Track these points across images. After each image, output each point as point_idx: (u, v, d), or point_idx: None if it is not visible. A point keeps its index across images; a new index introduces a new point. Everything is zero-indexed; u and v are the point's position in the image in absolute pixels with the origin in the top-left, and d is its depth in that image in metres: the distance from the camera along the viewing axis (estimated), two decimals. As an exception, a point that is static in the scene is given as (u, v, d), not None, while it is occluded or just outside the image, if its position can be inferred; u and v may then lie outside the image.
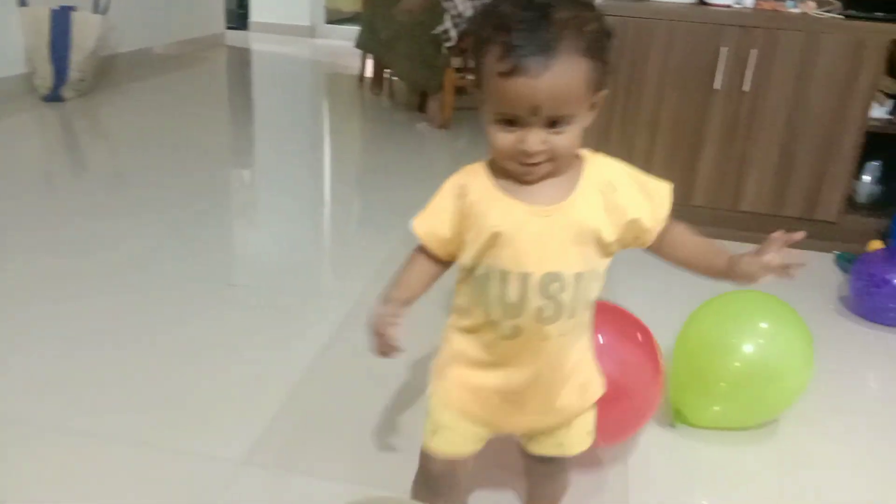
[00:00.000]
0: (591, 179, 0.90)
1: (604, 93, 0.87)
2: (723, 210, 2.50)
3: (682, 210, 2.64)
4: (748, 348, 1.43)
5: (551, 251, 0.89)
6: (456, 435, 1.02)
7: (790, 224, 2.48)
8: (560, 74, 0.80)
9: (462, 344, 0.99)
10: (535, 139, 0.84)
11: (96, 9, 3.93)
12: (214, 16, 5.91)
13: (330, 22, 6.91)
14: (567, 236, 0.89)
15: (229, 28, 6.19)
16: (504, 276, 0.90)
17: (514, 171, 0.88)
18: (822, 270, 2.38)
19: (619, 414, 1.26)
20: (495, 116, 0.85)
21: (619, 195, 0.91)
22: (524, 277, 0.89)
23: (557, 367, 0.96)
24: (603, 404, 1.07)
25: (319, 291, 2.07)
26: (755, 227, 2.51)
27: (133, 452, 1.33)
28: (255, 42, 6.36)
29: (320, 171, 3.25)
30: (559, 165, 0.88)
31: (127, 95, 4.14)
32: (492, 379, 0.97)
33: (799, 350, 1.46)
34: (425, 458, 1.06)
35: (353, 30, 4.77)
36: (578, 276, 0.90)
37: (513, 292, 0.90)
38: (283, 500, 1.25)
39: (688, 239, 0.98)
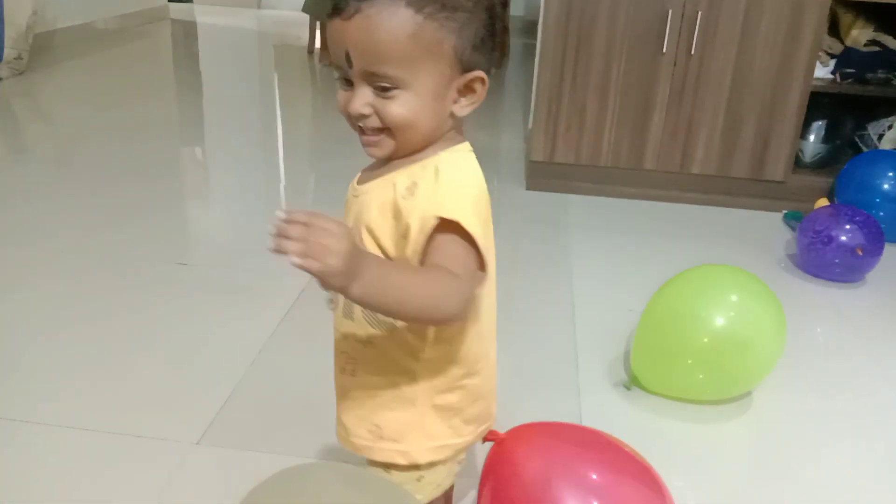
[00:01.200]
0: (409, 170, 0.77)
1: (477, 75, 0.76)
2: (673, 173, 2.53)
3: (634, 174, 2.71)
4: (718, 321, 1.41)
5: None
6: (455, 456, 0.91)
7: (739, 185, 2.54)
8: (371, 18, 0.70)
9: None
10: (360, 99, 0.74)
11: (30, -17, 3.79)
12: (156, -12, 5.74)
13: (277, -8, 6.76)
14: (359, 224, 0.79)
15: (172, 1, 6.02)
16: None
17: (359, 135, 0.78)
18: (770, 229, 2.43)
19: None
20: (333, 67, 0.78)
21: (409, 202, 0.75)
22: None
23: (342, 371, 0.86)
24: None
25: (274, 268, 2.04)
26: (705, 189, 2.56)
27: (86, 438, 1.31)
28: (200, 15, 6.20)
29: (273, 144, 3.20)
30: (402, 144, 0.76)
31: (67, 73, 4.01)
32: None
33: (770, 324, 1.44)
34: None
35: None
36: None
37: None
38: (237, 476, 1.25)
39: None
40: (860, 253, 2.01)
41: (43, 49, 4.09)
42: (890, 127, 2.57)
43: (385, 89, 0.73)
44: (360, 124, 0.76)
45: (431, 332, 0.80)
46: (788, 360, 1.52)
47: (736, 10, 2.31)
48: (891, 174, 2.31)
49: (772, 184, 2.51)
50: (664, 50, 2.36)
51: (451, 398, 0.84)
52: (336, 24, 0.72)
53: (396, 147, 0.77)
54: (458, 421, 0.86)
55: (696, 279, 1.52)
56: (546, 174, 2.59)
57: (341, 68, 0.75)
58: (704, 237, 2.34)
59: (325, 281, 0.65)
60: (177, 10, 6.01)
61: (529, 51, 4.47)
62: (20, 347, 1.58)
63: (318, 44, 4.63)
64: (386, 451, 0.85)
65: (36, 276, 1.87)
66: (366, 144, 0.78)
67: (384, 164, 0.80)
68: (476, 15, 0.74)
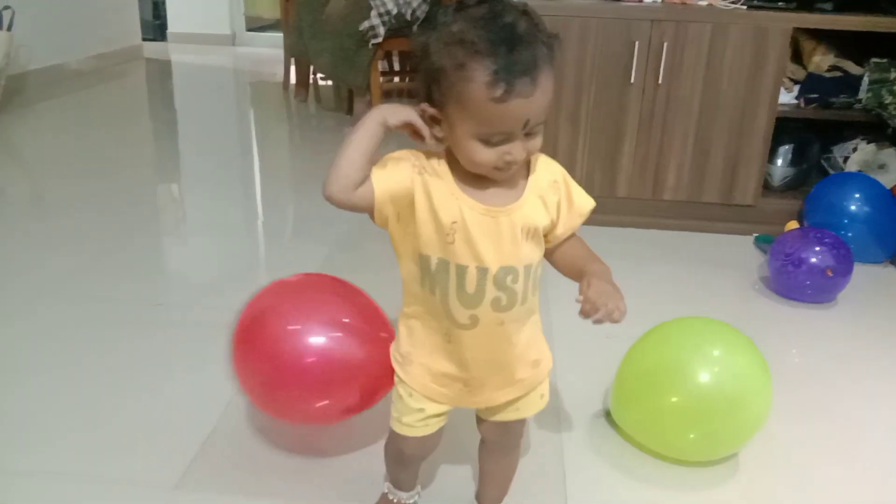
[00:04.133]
0: (537, 179, 0.98)
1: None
2: (645, 200, 2.56)
3: (607, 202, 2.73)
4: (706, 379, 1.34)
5: (506, 247, 0.95)
6: (423, 417, 1.08)
7: (710, 210, 2.58)
8: (545, 88, 0.87)
9: (421, 333, 1.04)
10: (520, 150, 0.90)
11: None
12: (130, 27, 5.75)
13: (251, 29, 6.80)
14: (518, 233, 0.96)
15: (146, 40, 6.03)
16: (461, 270, 0.95)
17: (484, 174, 0.93)
18: (742, 252, 2.47)
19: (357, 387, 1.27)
20: (479, 136, 0.89)
21: (556, 198, 0.99)
22: (482, 272, 0.95)
23: (511, 348, 1.03)
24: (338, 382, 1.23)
25: (250, 305, 2.04)
26: (677, 214, 2.59)
27: (59, 484, 1.29)
28: (175, 53, 6.22)
29: (249, 181, 3.21)
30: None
31: (40, 115, 4.00)
32: (453, 366, 1.03)
33: (759, 382, 1.37)
34: (396, 439, 1.12)
35: (276, 36, 4.71)
36: (528, 268, 0.98)
37: (470, 285, 0.96)
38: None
39: (577, 252, 1.05)
40: (830, 274, 2.04)
41: (15, 91, 4.08)
42: (855, 149, 2.63)
43: (534, 133, 0.90)
44: (507, 170, 0.91)
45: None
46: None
47: (701, 40, 2.37)
48: (857, 196, 2.36)
49: (742, 208, 2.56)
50: (632, 80, 2.41)
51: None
52: (514, 104, 0.85)
53: (510, 173, 0.94)
54: None
55: (678, 334, 1.45)
56: (521, 204, 2.61)
57: (502, 134, 0.88)
58: (678, 262, 2.37)
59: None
60: (151, 49, 6.02)
61: (502, 82, 4.53)
62: (-7, 394, 1.56)
63: (293, 80, 4.65)
64: (544, 371, 1.11)
65: (8, 318, 1.85)
66: (500, 175, 0.93)
67: (487, 182, 0.94)
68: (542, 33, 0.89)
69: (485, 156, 0.90)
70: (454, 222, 0.93)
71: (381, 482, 1.26)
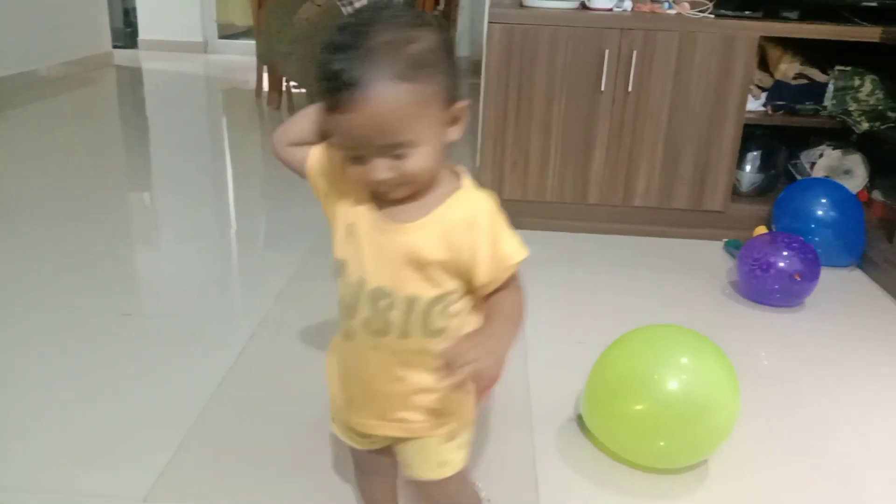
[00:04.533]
0: (445, 213, 0.87)
1: (460, 105, 0.85)
2: (616, 206, 2.59)
3: (579, 208, 2.75)
4: (674, 387, 1.34)
5: (385, 267, 0.88)
6: (339, 422, 1.06)
7: (680, 216, 2.61)
8: (379, 105, 0.77)
9: (337, 333, 1.00)
10: (381, 169, 0.82)
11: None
12: (100, 34, 5.68)
13: (223, 37, 6.76)
14: (398, 258, 0.87)
15: (116, 47, 5.97)
16: (346, 275, 0.92)
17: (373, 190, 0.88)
18: (712, 257, 2.50)
19: None
20: (339, 149, 0.86)
21: (468, 239, 0.86)
22: (360, 283, 0.90)
23: (392, 381, 0.94)
24: None
25: (223, 313, 2.02)
26: (647, 221, 2.62)
27: (27, 499, 1.27)
28: (146, 60, 6.16)
29: (222, 189, 3.18)
30: (419, 186, 0.86)
31: (9, 122, 3.94)
32: (340, 372, 1.00)
33: (727, 389, 1.38)
34: None
35: (248, 44, 4.69)
36: (411, 301, 0.89)
37: (348, 295, 0.92)
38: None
39: (494, 308, 0.91)
40: (798, 278, 2.08)
41: (-17, 99, 4.02)
42: (821, 155, 2.67)
43: (399, 152, 0.81)
44: (383, 188, 0.85)
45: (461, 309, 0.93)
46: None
47: (669, 49, 2.40)
48: (824, 201, 2.40)
49: (712, 213, 2.59)
50: (602, 88, 2.44)
51: None
52: (342, 118, 0.80)
53: (416, 190, 0.86)
54: None
55: (648, 342, 1.45)
56: (494, 211, 2.62)
57: (352, 149, 0.82)
58: (649, 267, 2.39)
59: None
60: (122, 56, 5.96)
61: (475, 90, 4.55)
62: (-42, 408, 1.53)
63: (265, 87, 4.63)
64: (449, 433, 0.98)
65: (-25, 333, 1.82)
66: (386, 194, 0.86)
67: (405, 201, 0.88)
68: (441, 53, 0.82)
69: (352, 171, 0.85)
70: (350, 224, 0.90)
71: (352, 489, 1.26)
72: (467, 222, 0.86)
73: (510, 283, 0.90)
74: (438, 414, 0.96)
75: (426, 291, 0.89)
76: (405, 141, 0.81)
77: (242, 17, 6.58)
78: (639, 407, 1.36)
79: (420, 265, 0.87)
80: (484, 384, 0.84)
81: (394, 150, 0.81)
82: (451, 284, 0.89)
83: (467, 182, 0.90)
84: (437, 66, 0.81)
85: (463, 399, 0.98)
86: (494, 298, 0.90)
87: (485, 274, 0.88)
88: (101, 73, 5.46)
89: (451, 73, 0.84)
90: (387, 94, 0.77)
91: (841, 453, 1.52)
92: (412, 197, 0.87)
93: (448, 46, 0.84)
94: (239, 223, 2.76)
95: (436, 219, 0.87)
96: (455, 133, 0.87)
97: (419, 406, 0.95)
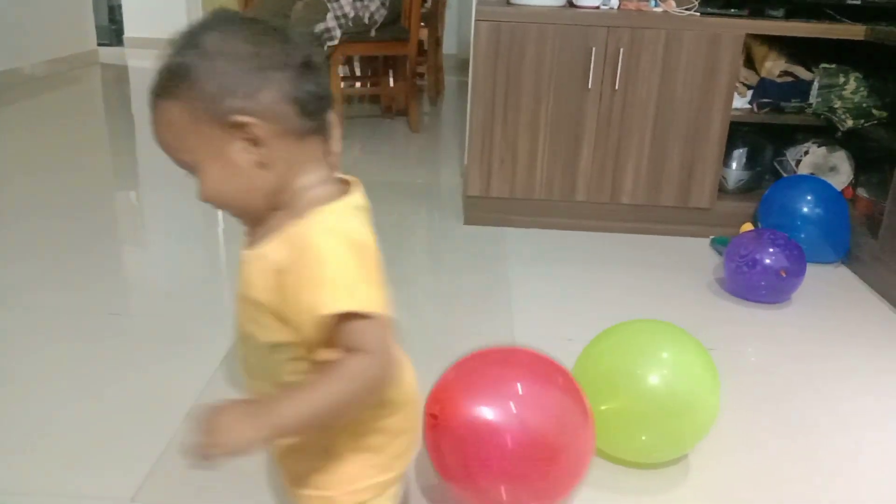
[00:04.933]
0: (275, 244, 0.74)
1: (235, 119, 0.72)
2: (604, 204, 2.59)
3: (567, 206, 2.76)
4: (655, 381, 1.35)
5: (238, 301, 0.80)
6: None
7: (667, 213, 2.62)
8: (161, 121, 0.75)
9: None
10: (196, 190, 0.77)
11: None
12: (85, 32, 5.65)
13: (210, 34, 6.73)
14: (239, 290, 0.80)
15: (102, 45, 5.93)
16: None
17: None
18: (699, 254, 2.51)
19: (556, 472, 1.17)
20: None
21: (291, 280, 0.72)
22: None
23: None
24: (538, 464, 1.10)
25: (210, 313, 2.02)
26: (635, 218, 2.63)
27: (15, 502, 1.26)
28: (132, 58, 6.13)
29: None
30: (242, 217, 0.80)
31: (-8, 121, 3.91)
32: None
33: (707, 383, 1.38)
34: None
35: (234, 42, 4.66)
36: (249, 339, 0.80)
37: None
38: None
39: (313, 379, 0.74)
40: (784, 275, 2.09)
41: (-34, 97, 3.99)
42: (806, 152, 2.69)
43: (194, 177, 0.76)
44: (227, 211, 0.79)
45: None
46: (723, 380, 1.57)
47: (656, 47, 2.41)
48: (809, 198, 2.42)
49: (698, 211, 2.60)
50: (590, 86, 2.44)
51: (372, 440, 0.84)
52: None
53: (243, 214, 0.79)
54: (383, 458, 0.86)
55: (628, 337, 1.45)
56: (483, 208, 2.63)
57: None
58: (637, 264, 2.40)
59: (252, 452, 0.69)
60: (107, 54, 5.93)
61: (463, 88, 4.55)
62: (-58, 409, 1.52)
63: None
64: (312, 499, 0.85)
65: (-41, 334, 1.81)
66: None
67: (255, 228, 0.80)
68: (207, 63, 0.72)
69: None
70: None
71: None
72: (291, 259, 0.72)
73: (358, 346, 0.71)
74: (300, 481, 0.85)
75: (260, 333, 0.78)
76: (185, 161, 0.76)
77: (229, 14, 6.54)
78: (619, 402, 1.36)
79: (250, 302, 0.77)
80: (203, 457, 0.70)
81: (186, 170, 0.77)
82: (284, 334, 0.75)
83: (335, 206, 0.75)
84: (198, 78, 0.72)
85: (335, 480, 0.84)
86: (326, 365, 0.73)
87: (308, 327, 0.72)
88: (87, 71, 5.43)
89: (228, 78, 0.72)
90: (162, 112, 0.75)
91: (826, 447, 1.53)
92: (257, 223, 0.79)
93: (177, 68, 0.73)
94: (226, 221, 2.75)
95: (262, 252, 0.75)
96: (254, 153, 0.74)
97: (288, 466, 0.87)
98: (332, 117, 0.80)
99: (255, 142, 0.73)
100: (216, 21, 0.75)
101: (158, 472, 1.34)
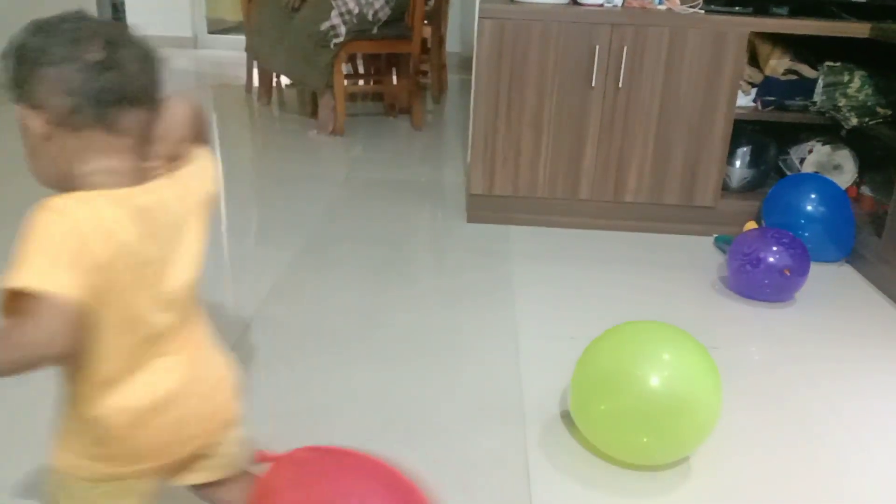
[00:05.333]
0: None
1: (23, 108, 0.86)
2: (607, 202, 2.59)
3: (570, 204, 2.75)
4: (656, 383, 1.34)
5: None
6: None
7: (671, 211, 2.62)
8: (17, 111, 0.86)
9: None
10: None
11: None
12: (89, 30, 5.65)
13: (213, 32, 6.73)
14: None
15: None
16: None
17: None
18: (702, 253, 2.51)
19: None
20: None
21: None
22: None
23: None
24: None
25: (214, 310, 2.01)
26: (638, 216, 2.63)
27: (9, 502, 1.26)
28: (135, 56, 6.13)
29: (210, 186, 3.16)
30: (42, 181, 0.91)
31: (-4, 118, 3.91)
32: None
33: (709, 385, 1.38)
34: None
35: (238, 39, 4.67)
36: None
37: None
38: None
39: None
40: (788, 273, 2.09)
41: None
42: (810, 151, 2.68)
43: None
44: None
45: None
46: (727, 379, 1.57)
47: (660, 45, 2.40)
48: (814, 196, 2.41)
49: (702, 209, 2.60)
50: (593, 84, 2.44)
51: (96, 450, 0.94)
52: None
53: (45, 185, 0.89)
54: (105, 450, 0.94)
55: (629, 338, 1.44)
56: (486, 206, 2.63)
57: None
58: (640, 263, 2.40)
59: None
60: (111, 51, 5.92)
61: (466, 86, 4.55)
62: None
63: (256, 83, 4.62)
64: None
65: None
66: None
67: None
68: (7, 58, 0.85)
69: None
70: None
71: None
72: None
73: (11, 316, 0.76)
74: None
75: None
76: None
77: (232, 12, 6.55)
78: (620, 403, 1.36)
79: None
80: None
81: None
82: None
83: (91, 194, 0.83)
84: (4, 69, 0.86)
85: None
86: None
87: None
88: (90, 69, 5.42)
89: (14, 79, 0.85)
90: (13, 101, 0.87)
91: (830, 447, 1.53)
92: None
93: (26, 51, 0.86)
94: (230, 219, 2.75)
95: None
96: (38, 138, 0.87)
97: None
98: (187, 109, 0.99)
99: (38, 128, 0.84)
100: (30, 24, 0.87)
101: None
